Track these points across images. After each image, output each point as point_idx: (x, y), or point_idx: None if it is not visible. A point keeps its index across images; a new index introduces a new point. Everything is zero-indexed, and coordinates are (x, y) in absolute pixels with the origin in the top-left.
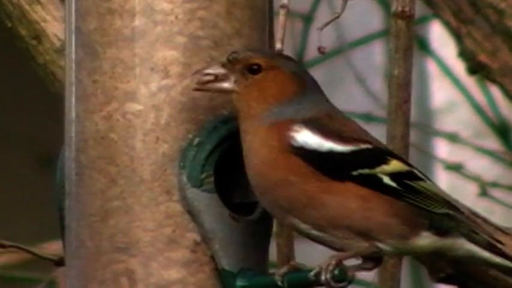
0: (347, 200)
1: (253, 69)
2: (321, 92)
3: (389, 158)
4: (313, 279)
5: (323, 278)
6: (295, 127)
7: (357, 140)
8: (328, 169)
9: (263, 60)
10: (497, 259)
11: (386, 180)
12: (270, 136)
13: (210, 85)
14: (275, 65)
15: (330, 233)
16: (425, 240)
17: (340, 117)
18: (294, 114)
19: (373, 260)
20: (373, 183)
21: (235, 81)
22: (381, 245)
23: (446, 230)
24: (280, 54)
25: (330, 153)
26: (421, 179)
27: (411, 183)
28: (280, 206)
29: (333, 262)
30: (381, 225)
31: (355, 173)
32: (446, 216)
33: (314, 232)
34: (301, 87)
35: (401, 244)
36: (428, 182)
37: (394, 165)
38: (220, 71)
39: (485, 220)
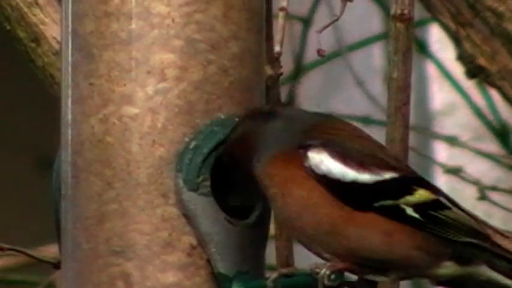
0: (369, 234)
1: (228, 161)
2: (282, 121)
3: (415, 187)
4: (309, 281)
5: (320, 275)
6: (313, 151)
7: (381, 167)
8: (350, 200)
9: (226, 150)
10: None
11: (410, 211)
12: (278, 162)
13: None
14: (229, 146)
15: (350, 262)
16: (447, 269)
17: (350, 130)
18: (279, 144)
19: (367, 284)
20: (396, 214)
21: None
22: (400, 274)
23: (468, 258)
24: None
25: (353, 184)
26: (447, 208)
27: (435, 214)
28: (307, 235)
29: (332, 268)
30: (403, 258)
31: (377, 204)
32: (470, 245)
33: (335, 260)
34: (260, 135)
35: (422, 273)
36: (454, 209)
37: (420, 195)
38: None
39: (484, 223)
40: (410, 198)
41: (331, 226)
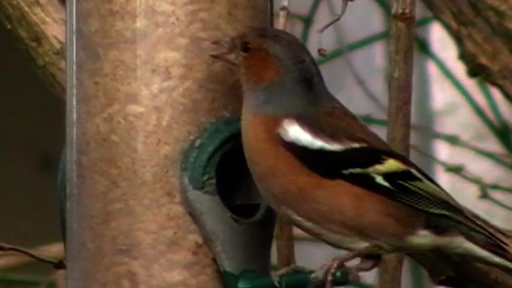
0: (339, 196)
1: (245, 48)
2: (310, 85)
3: (384, 157)
4: (313, 281)
5: (324, 280)
6: (286, 121)
7: (350, 139)
8: (318, 167)
9: (252, 40)
10: (496, 258)
11: (379, 179)
12: (257, 126)
13: (221, 56)
14: (263, 46)
15: (324, 226)
16: (423, 238)
17: (339, 113)
18: (274, 106)
19: (372, 259)
20: (365, 183)
21: (236, 56)
22: (377, 243)
23: (444, 228)
24: (280, 37)
25: (321, 152)
26: (417, 179)
27: (405, 184)
28: (273, 195)
29: (335, 265)
30: (374, 224)
31: (345, 172)
32: (444, 217)
33: (308, 224)
34: (279, 76)
35: (397, 242)
36: (426, 182)
37: (390, 165)
38: (229, 43)
39: (485, 222)
40: (379, 167)
41: (299, 190)
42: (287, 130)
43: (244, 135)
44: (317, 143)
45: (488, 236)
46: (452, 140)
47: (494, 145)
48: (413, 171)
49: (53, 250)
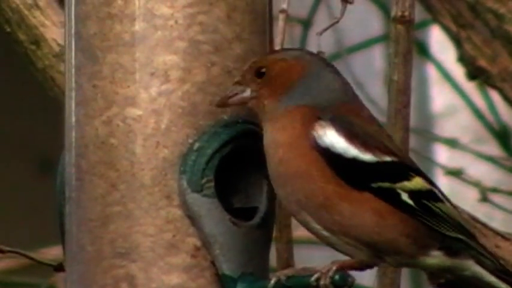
0: (363, 212)
1: (260, 73)
2: (331, 74)
3: (412, 174)
4: (312, 283)
5: (322, 282)
6: (321, 123)
7: (381, 151)
8: (349, 176)
9: (265, 60)
10: (502, 285)
11: (405, 197)
12: (291, 118)
13: (231, 100)
14: (277, 58)
15: (341, 238)
16: (434, 259)
17: (367, 117)
18: (309, 98)
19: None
20: (391, 198)
21: (252, 90)
22: (387, 259)
23: (456, 251)
24: (293, 50)
25: (354, 161)
26: (440, 200)
27: (429, 204)
28: (297, 199)
29: (334, 268)
30: (391, 243)
31: (374, 185)
32: (458, 240)
33: (324, 233)
34: (307, 69)
35: (409, 261)
36: (447, 204)
37: (416, 182)
38: (238, 88)
39: (485, 225)
40: (407, 184)
41: (325, 199)
42: (322, 134)
43: (271, 142)
44: (351, 151)
45: (497, 262)
46: (452, 143)
47: (493, 148)
48: (436, 191)
49: (53, 253)
